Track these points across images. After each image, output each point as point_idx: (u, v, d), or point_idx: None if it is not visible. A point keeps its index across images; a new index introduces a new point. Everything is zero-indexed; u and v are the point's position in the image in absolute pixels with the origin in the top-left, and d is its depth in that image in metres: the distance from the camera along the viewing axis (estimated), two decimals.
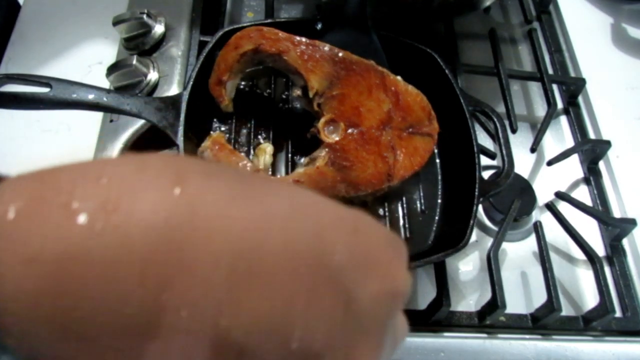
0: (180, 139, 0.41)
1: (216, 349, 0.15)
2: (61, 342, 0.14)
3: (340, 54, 0.43)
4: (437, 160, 0.50)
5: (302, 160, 0.45)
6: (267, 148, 0.45)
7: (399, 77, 0.46)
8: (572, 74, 0.63)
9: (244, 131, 0.49)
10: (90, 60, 0.55)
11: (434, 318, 0.44)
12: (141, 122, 0.47)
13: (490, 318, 0.44)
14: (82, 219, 0.14)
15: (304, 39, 0.43)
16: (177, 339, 0.14)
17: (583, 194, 0.55)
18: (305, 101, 0.45)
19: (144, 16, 0.52)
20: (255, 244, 0.15)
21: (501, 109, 0.54)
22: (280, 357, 0.16)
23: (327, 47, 0.43)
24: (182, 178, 0.15)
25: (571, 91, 0.62)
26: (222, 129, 0.48)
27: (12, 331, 0.13)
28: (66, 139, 0.50)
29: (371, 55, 0.45)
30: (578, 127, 0.60)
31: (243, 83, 0.51)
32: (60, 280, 0.13)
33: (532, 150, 0.55)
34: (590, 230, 0.53)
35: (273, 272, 0.16)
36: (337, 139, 0.42)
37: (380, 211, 0.47)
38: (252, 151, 0.48)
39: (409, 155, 0.44)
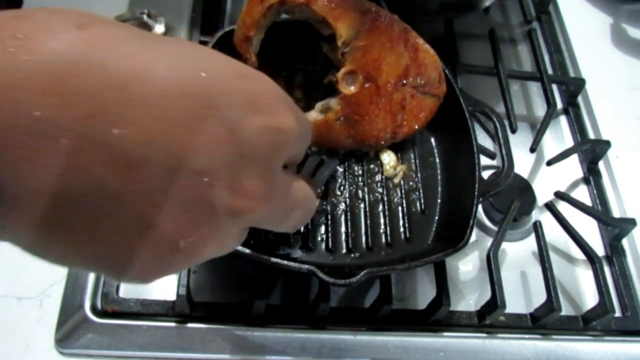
0: None
1: (108, 153, 0.18)
2: None
3: (367, 5, 0.44)
4: (437, 160, 0.50)
5: (318, 104, 0.46)
6: None
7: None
8: (572, 74, 0.63)
9: None
10: None
11: (433, 318, 0.44)
12: None
13: (490, 318, 0.44)
14: None
15: None
16: (79, 143, 0.18)
17: (583, 194, 0.56)
18: (329, 48, 0.45)
19: (144, 16, 0.52)
20: (145, 75, 0.18)
21: (501, 109, 0.54)
22: (166, 170, 0.19)
23: None
24: (86, 23, 0.19)
25: (571, 91, 0.62)
26: None
27: None
28: None
29: None
30: (578, 127, 0.60)
31: None
32: None
33: (532, 150, 0.56)
34: (589, 230, 0.53)
35: (162, 100, 0.18)
36: (353, 91, 0.43)
37: (381, 211, 0.47)
38: None
39: (415, 115, 0.46)
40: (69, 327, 0.40)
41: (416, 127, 0.46)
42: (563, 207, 0.51)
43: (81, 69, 0.18)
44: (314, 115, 0.45)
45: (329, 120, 0.44)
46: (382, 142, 0.46)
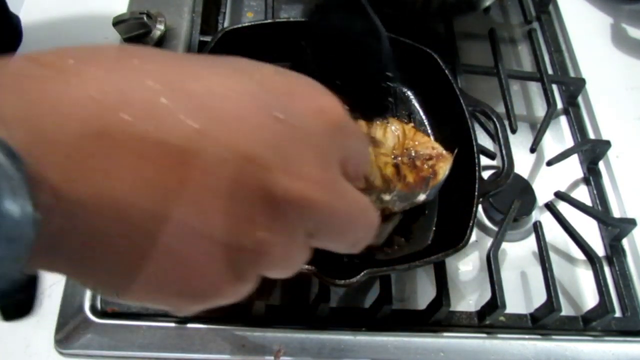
0: None
1: (162, 151, 0.18)
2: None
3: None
4: None
5: None
6: None
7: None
8: (572, 74, 0.63)
9: None
10: None
11: (433, 318, 0.44)
12: None
13: (490, 318, 0.44)
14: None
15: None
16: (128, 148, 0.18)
17: (583, 194, 0.56)
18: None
19: (144, 16, 0.52)
20: (187, 82, 0.20)
21: (501, 109, 0.54)
22: (223, 158, 0.19)
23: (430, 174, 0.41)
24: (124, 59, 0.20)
25: (571, 91, 0.62)
26: None
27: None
28: None
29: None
30: (578, 127, 0.60)
31: None
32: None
33: (532, 150, 0.55)
34: (589, 230, 0.53)
35: (206, 97, 0.20)
36: None
37: None
38: None
39: None
40: (69, 328, 0.40)
41: None
42: (563, 207, 0.51)
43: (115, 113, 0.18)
44: None
45: None
46: None
